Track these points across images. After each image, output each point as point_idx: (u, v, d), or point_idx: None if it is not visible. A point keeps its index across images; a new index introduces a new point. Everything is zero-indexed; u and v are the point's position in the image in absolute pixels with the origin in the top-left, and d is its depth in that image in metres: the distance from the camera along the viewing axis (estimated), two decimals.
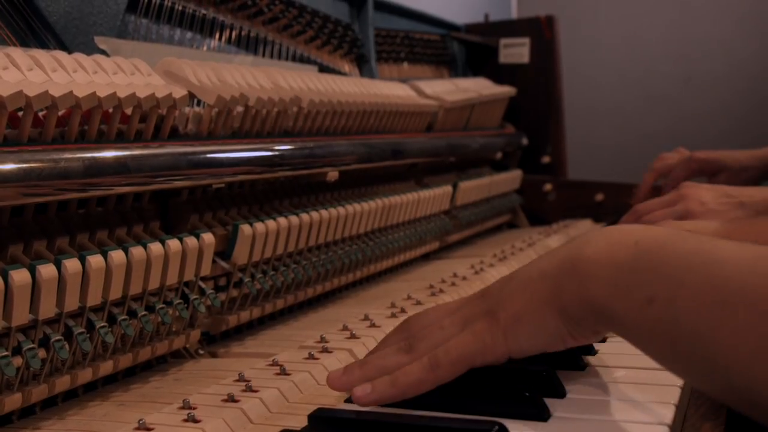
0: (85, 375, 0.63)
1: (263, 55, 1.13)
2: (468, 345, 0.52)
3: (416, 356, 0.54)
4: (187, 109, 0.79)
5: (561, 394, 0.54)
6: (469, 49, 1.84)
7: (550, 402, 0.52)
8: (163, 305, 0.68)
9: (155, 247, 0.66)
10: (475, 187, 1.39)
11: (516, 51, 1.78)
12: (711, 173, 1.30)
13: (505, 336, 0.51)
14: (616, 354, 0.63)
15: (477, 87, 1.54)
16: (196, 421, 0.53)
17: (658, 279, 0.43)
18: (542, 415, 0.50)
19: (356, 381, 0.55)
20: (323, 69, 1.24)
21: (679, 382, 0.55)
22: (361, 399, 0.53)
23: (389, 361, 0.55)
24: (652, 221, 0.94)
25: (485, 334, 0.52)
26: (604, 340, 0.67)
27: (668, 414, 0.50)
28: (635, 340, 0.46)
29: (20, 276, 0.54)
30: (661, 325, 0.43)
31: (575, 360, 0.60)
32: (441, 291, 0.94)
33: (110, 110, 0.66)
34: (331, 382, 0.57)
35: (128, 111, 0.68)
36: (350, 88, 1.05)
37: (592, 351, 0.64)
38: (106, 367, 0.65)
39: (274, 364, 0.66)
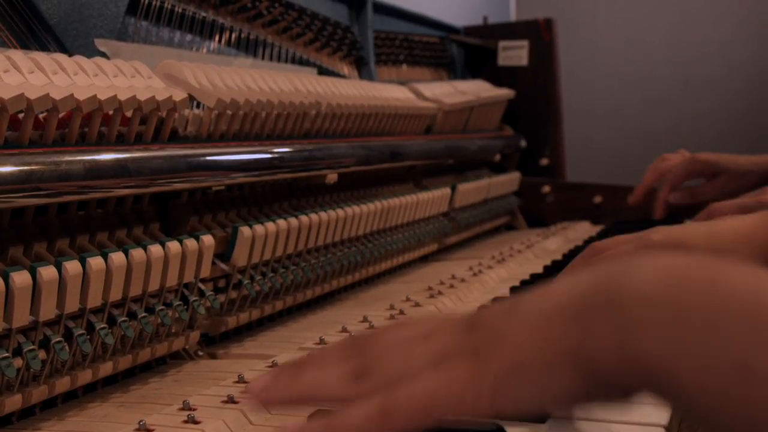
0: (85, 376, 0.63)
1: (263, 58, 1.13)
2: (440, 393, 0.38)
3: (366, 390, 0.39)
4: (186, 111, 0.79)
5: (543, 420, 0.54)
6: (467, 52, 1.84)
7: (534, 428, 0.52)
8: (163, 307, 0.69)
9: (155, 249, 0.66)
10: (473, 190, 1.40)
11: (515, 53, 1.78)
12: (711, 175, 1.30)
13: (493, 391, 0.37)
14: None
15: (476, 89, 1.55)
16: (196, 423, 0.53)
17: (755, 340, 0.31)
18: (539, 415, 0.51)
19: (284, 401, 0.44)
20: (322, 71, 1.24)
21: None
22: None
23: (329, 387, 0.41)
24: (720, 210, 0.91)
25: (466, 384, 0.38)
26: None
27: (665, 415, 0.51)
28: (705, 414, 0.33)
29: (21, 278, 0.55)
30: (762, 403, 0.30)
31: None
32: (440, 293, 0.94)
33: (110, 113, 0.67)
34: (253, 392, 0.43)
35: (128, 113, 0.69)
36: (350, 90, 1.05)
37: None
38: (106, 369, 0.65)
39: (274, 365, 0.66)
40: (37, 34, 0.78)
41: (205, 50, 1.02)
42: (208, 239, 0.72)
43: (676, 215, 1.31)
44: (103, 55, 0.82)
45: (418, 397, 0.38)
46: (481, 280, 1.03)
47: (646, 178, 1.38)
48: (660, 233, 0.67)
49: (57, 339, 0.58)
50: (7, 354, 0.55)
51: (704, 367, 0.32)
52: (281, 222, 0.83)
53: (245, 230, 0.78)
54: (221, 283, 0.80)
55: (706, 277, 0.34)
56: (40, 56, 0.64)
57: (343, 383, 0.41)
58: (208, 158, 0.76)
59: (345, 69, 1.36)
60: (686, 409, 0.34)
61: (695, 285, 0.34)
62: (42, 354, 0.58)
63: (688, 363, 0.32)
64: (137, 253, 0.64)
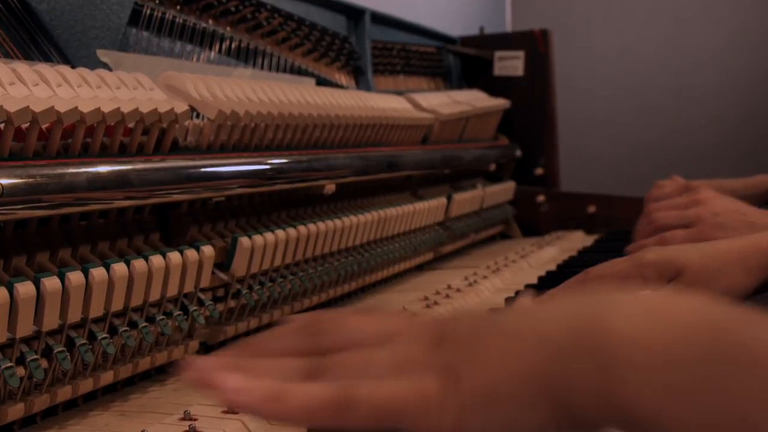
0: (86, 385, 0.64)
1: (262, 67, 1.14)
2: (405, 400, 0.35)
3: (321, 380, 0.37)
4: (187, 122, 0.80)
5: None
6: (464, 62, 1.86)
7: None
8: (163, 316, 0.70)
9: (156, 260, 0.67)
10: (469, 199, 1.41)
11: (510, 64, 1.80)
12: None
13: (460, 413, 0.34)
14: None
15: (472, 99, 1.56)
16: None
17: (760, 397, 0.28)
18: None
19: (215, 368, 0.37)
20: (320, 81, 1.25)
21: None
22: (230, 399, 0.36)
23: (284, 378, 0.37)
24: (663, 222, 0.94)
25: (432, 400, 0.35)
26: None
27: None
28: None
29: (25, 289, 0.55)
30: None
31: None
32: (435, 303, 0.95)
33: (113, 124, 0.67)
34: (192, 372, 0.36)
35: (131, 125, 0.70)
36: (347, 101, 1.06)
37: None
38: (107, 377, 0.66)
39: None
40: (41, 44, 0.79)
41: (205, 60, 1.03)
42: (208, 250, 0.73)
43: None
44: (105, 65, 0.83)
45: (382, 397, 0.35)
46: (477, 290, 1.04)
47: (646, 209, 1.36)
48: (653, 253, 0.68)
49: (60, 349, 0.59)
50: (10, 363, 0.56)
51: (699, 420, 0.29)
52: (280, 232, 0.84)
53: (245, 241, 0.79)
54: (220, 293, 0.81)
55: (739, 328, 0.31)
56: (45, 68, 0.65)
57: (298, 376, 0.37)
58: (209, 169, 0.77)
59: (343, 79, 1.37)
60: None
61: (691, 329, 0.31)
62: (44, 363, 0.59)
63: (679, 414, 0.30)
64: (139, 264, 0.65)
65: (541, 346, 0.34)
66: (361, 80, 1.42)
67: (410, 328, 0.39)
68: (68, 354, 0.60)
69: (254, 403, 0.35)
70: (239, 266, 0.80)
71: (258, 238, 0.81)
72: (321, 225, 0.91)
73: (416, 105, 1.33)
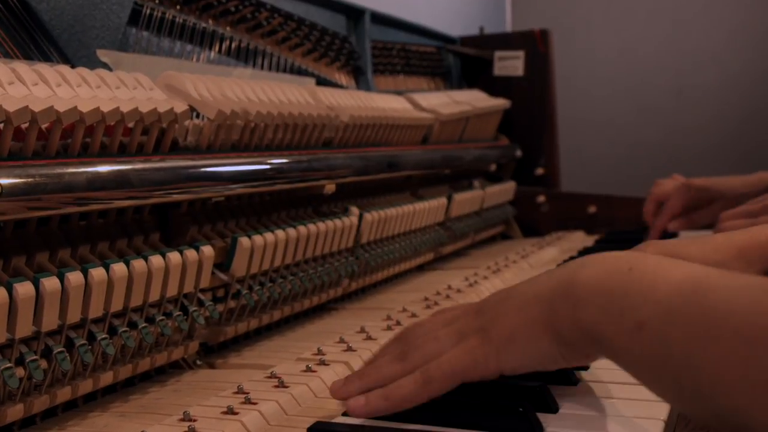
0: (86, 386, 0.63)
1: (261, 67, 1.14)
2: (460, 361, 0.53)
3: (409, 366, 0.55)
4: (186, 121, 0.80)
5: (554, 409, 0.55)
6: (464, 62, 1.85)
7: (542, 417, 0.53)
8: (163, 317, 0.69)
9: (156, 260, 0.67)
10: (469, 199, 1.41)
11: (510, 64, 1.80)
12: (708, 201, 1.29)
13: (497, 354, 0.52)
14: (608, 369, 0.64)
15: (472, 99, 1.56)
16: None
17: (647, 305, 0.44)
18: (535, 430, 0.52)
19: (355, 391, 0.57)
20: (320, 81, 1.25)
21: None
22: (354, 411, 0.55)
23: (384, 372, 0.57)
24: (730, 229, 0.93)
25: (477, 351, 0.53)
26: None
27: (657, 430, 0.52)
28: (625, 365, 0.47)
29: (24, 289, 0.55)
30: (650, 350, 0.44)
31: (568, 375, 0.61)
32: (436, 304, 0.95)
33: (113, 124, 0.67)
34: (333, 392, 0.59)
35: (130, 125, 0.69)
36: (348, 101, 1.06)
37: (585, 366, 0.65)
38: (106, 378, 0.65)
39: (273, 376, 0.67)
40: (40, 44, 0.79)
41: (205, 60, 1.03)
42: (208, 250, 0.73)
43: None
44: (105, 65, 0.83)
45: (447, 365, 0.53)
46: (477, 291, 1.04)
47: (646, 208, 1.37)
48: (653, 247, 0.68)
49: (59, 349, 0.59)
50: (9, 364, 0.55)
51: (619, 331, 0.45)
52: (280, 233, 0.84)
53: (244, 241, 0.79)
54: (220, 293, 0.81)
55: (627, 265, 0.47)
56: (44, 68, 0.65)
57: (393, 364, 0.56)
58: (208, 170, 0.77)
59: (343, 78, 1.37)
60: (617, 363, 0.47)
61: (636, 273, 0.47)
62: (43, 363, 0.59)
63: (611, 328, 0.46)
64: (138, 264, 0.65)
65: (538, 300, 0.52)
66: (361, 80, 1.42)
67: (461, 311, 0.58)
68: (68, 354, 0.60)
69: (375, 409, 0.54)
70: (239, 266, 0.79)
71: (258, 239, 0.80)
72: (321, 225, 0.91)
73: (416, 105, 1.32)
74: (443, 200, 1.29)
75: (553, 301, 0.50)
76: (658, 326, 0.43)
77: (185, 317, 0.72)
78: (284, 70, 1.19)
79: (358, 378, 0.58)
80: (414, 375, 0.54)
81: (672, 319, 0.42)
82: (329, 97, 1.03)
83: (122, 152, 0.70)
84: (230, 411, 0.58)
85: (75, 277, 0.59)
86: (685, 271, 0.45)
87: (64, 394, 0.61)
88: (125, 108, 0.66)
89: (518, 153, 1.73)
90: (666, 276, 0.45)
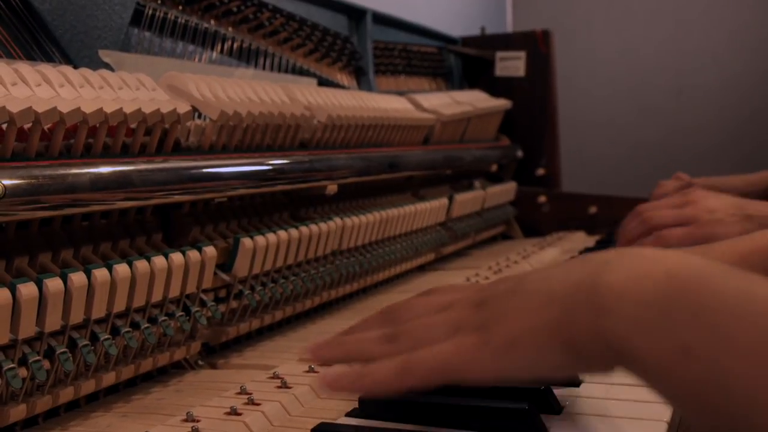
0: (88, 386, 0.63)
1: (263, 68, 1.14)
2: (448, 358, 0.46)
3: (396, 351, 0.49)
4: (189, 122, 0.80)
5: (557, 410, 0.55)
6: (465, 62, 1.85)
7: (545, 418, 0.53)
8: (166, 317, 0.69)
9: (159, 261, 0.67)
10: (470, 200, 1.41)
11: (512, 64, 1.80)
12: None
13: (493, 358, 0.45)
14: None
15: (473, 100, 1.56)
16: None
17: (696, 326, 0.36)
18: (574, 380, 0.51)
19: (331, 359, 0.53)
20: (322, 81, 1.25)
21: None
22: (323, 384, 0.50)
23: (369, 348, 0.51)
24: (659, 221, 0.93)
25: (471, 351, 0.45)
26: None
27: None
28: (657, 386, 0.39)
29: (27, 290, 0.55)
30: (698, 379, 0.36)
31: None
32: None
33: (116, 125, 0.67)
34: (310, 350, 0.53)
35: (133, 125, 0.69)
36: (349, 102, 1.06)
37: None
38: (109, 378, 0.66)
39: (275, 377, 0.67)
40: (43, 45, 0.79)
41: (207, 60, 1.03)
42: (210, 250, 0.73)
43: None
44: (108, 65, 0.83)
45: (431, 360, 0.46)
46: None
47: (629, 230, 1.33)
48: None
49: (62, 350, 0.59)
50: (12, 364, 0.55)
51: (658, 351, 0.38)
52: (282, 233, 0.84)
53: (246, 241, 0.79)
54: (222, 293, 0.81)
55: (661, 267, 0.40)
56: (47, 69, 0.65)
57: (376, 345, 0.50)
58: (211, 170, 0.77)
59: (344, 79, 1.37)
60: (645, 381, 0.40)
61: (677, 281, 0.39)
62: (46, 364, 0.59)
63: (647, 346, 0.38)
64: (141, 265, 0.65)
65: (551, 302, 0.43)
66: (362, 80, 1.42)
67: (460, 298, 0.51)
68: (70, 355, 0.60)
69: (347, 388, 0.49)
70: (241, 267, 0.79)
71: (260, 239, 0.81)
72: (323, 225, 0.91)
73: (418, 105, 1.32)
74: (444, 200, 1.29)
75: (570, 306, 0.42)
76: (709, 355, 0.36)
77: (187, 317, 0.72)
78: (286, 71, 1.19)
79: (339, 346, 0.53)
80: (395, 360, 0.47)
81: (728, 348, 0.35)
82: (331, 97, 1.03)
83: (125, 153, 0.70)
84: (233, 412, 0.58)
85: (78, 278, 0.59)
86: (738, 284, 0.38)
87: (66, 394, 0.61)
88: (128, 109, 0.66)
89: (519, 153, 1.73)
90: (716, 289, 0.38)
